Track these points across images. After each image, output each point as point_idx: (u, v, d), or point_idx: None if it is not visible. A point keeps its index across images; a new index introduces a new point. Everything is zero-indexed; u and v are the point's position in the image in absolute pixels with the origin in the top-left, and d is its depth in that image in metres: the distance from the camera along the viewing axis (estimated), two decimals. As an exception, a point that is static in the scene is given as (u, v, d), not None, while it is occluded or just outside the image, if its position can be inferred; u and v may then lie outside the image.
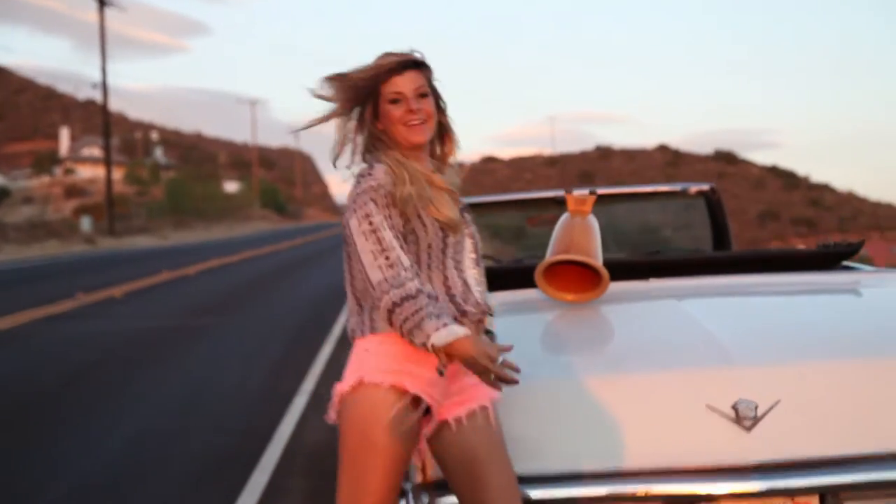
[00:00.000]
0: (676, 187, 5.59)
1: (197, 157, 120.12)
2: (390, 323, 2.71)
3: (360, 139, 2.95)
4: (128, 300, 17.34)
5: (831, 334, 3.35)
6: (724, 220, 5.50)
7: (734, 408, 3.02)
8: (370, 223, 2.74)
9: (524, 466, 3.00)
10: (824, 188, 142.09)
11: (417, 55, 2.94)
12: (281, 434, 7.25)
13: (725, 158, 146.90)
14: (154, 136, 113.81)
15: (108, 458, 6.65)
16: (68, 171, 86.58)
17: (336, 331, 13.03)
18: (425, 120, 2.88)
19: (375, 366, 2.76)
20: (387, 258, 2.70)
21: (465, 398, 2.89)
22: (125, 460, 6.60)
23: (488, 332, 2.96)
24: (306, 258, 31.88)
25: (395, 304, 2.67)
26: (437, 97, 2.97)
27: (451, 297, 2.86)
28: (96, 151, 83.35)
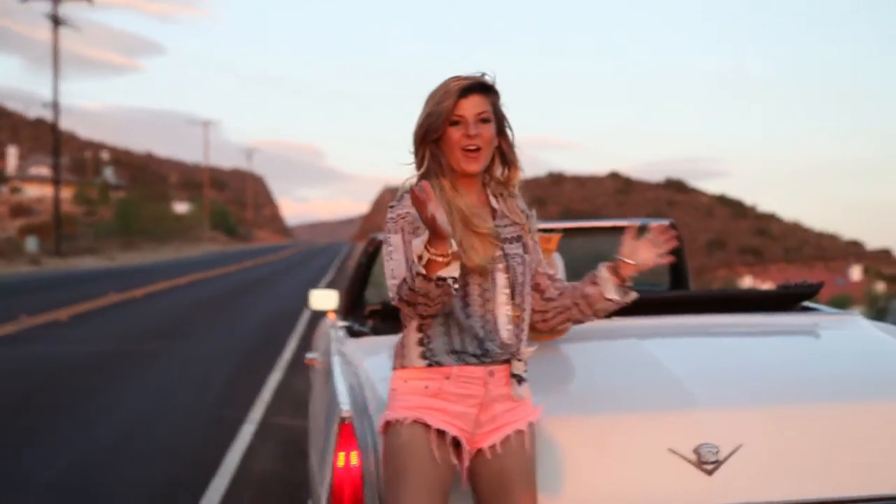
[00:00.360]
0: (636, 222, 5.57)
1: (147, 177, 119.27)
2: (415, 316, 2.80)
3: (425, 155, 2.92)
4: (73, 323, 17.06)
5: (794, 378, 3.34)
6: (683, 256, 5.49)
7: (696, 451, 2.99)
8: (390, 246, 2.83)
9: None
10: (771, 218, 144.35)
11: (488, 78, 2.90)
12: (228, 464, 7.13)
13: (675, 187, 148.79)
14: (105, 155, 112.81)
15: (46, 489, 6.47)
16: (15, 190, 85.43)
17: (286, 356, 12.91)
18: (481, 147, 2.85)
19: (400, 403, 2.84)
20: (400, 270, 2.79)
21: (499, 425, 2.87)
22: (66, 491, 6.43)
23: (516, 378, 2.88)
24: (256, 282, 31.67)
25: (400, 299, 2.76)
26: (501, 122, 2.92)
27: (474, 335, 2.83)
28: (44, 170, 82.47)
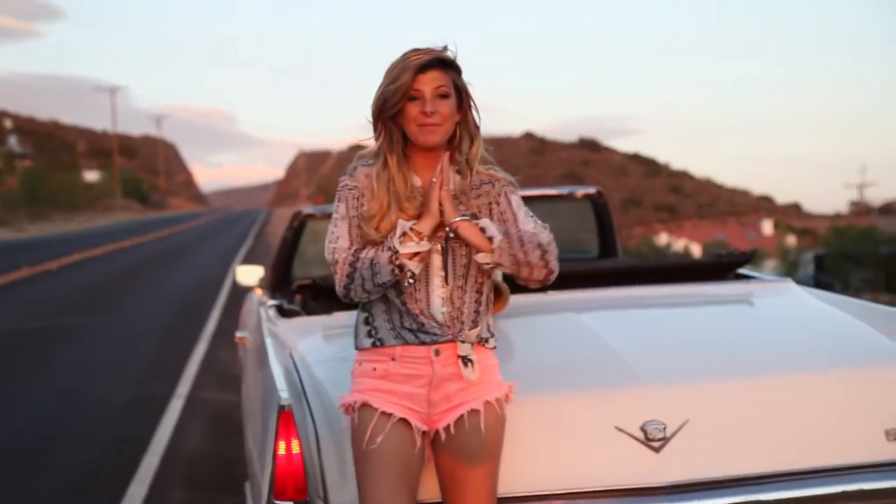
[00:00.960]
0: (563, 191, 5.57)
1: (54, 145, 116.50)
2: (356, 296, 2.80)
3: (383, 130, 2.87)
4: (-15, 299, 16.62)
5: (736, 351, 3.34)
6: (611, 224, 5.50)
7: (642, 428, 2.98)
8: (336, 214, 2.85)
9: (425, 492, 2.92)
10: (684, 175, 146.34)
11: (449, 53, 2.82)
12: (157, 442, 7.00)
13: (589, 146, 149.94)
14: (7, 124, 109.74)
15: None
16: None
17: (210, 327, 12.74)
18: (440, 122, 2.79)
19: (354, 386, 2.86)
20: (342, 244, 2.81)
21: (454, 404, 2.82)
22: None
23: (464, 360, 2.81)
24: (173, 250, 31.19)
25: (347, 277, 2.77)
26: (462, 97, 2.85)
27: (410, 314, 2.80)
28: (-54, 140, 79.87)
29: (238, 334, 5.34)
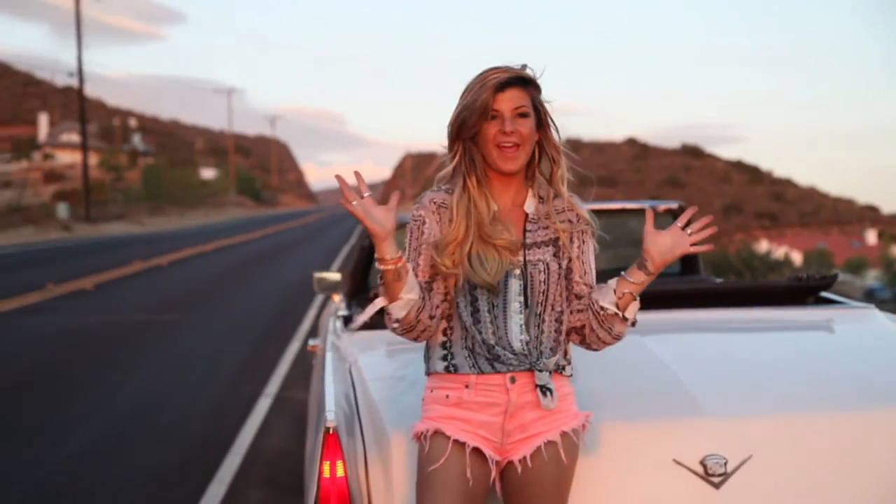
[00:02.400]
0: (643, 205, 5.35)
1: (174, 144, 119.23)
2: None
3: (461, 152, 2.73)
4: (98, 292, 16.95)
5: (807, 385, 3.11)
6: (692, 239, 5.23)
7: (702, 463, 2.79)
8: (406, 244, 2.72)
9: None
10: (787, 183, 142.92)
11: (529, 71, 2.69)
12: (241, 441, 6.96)
13: (692, 153, 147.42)
14: (132, 122, 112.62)
15: (62, 464, 6.33)
16: (47, 157, 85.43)
17: (305, 326, 12.74)
18: (519, 143, 2.64)
19: (426, 413, 2.72)
20: None
21: (529, 435, 2.67)
22: (79, 468, 6.28)
23: (542, 390, 2.64)
24: (279, 248, 31.50)
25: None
26: (542, 117, 2.70)
27: (485, 342, 2.64)
28: (75, 137, 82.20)
29: (311, 342, 5.24)
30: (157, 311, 14.30)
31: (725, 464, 2.77)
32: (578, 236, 2.73)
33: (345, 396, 3.19)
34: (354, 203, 2.51)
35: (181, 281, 19.22)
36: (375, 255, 2.54)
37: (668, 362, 3.17)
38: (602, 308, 2.63)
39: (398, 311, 2.59)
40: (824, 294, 4.17)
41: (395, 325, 2.62)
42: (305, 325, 12.87)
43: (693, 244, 2.59)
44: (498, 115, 2.63)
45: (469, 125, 2.64)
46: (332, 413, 2.92)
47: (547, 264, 2.68)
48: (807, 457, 2.83)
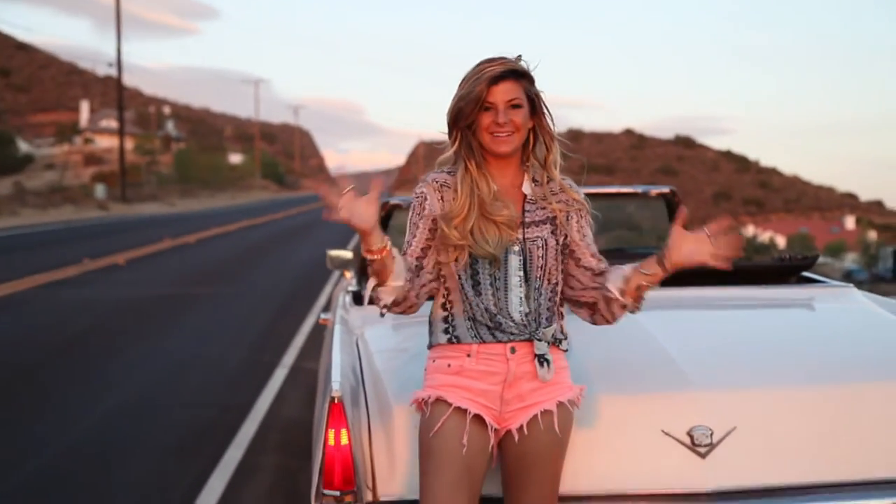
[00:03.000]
0: (637, 189, 5.25)
1: (204, 130, 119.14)
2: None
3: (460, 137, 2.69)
4: (130, 267, 16.93)
5: (789, 358, 3.02)
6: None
7: (689, 434, 2.70)
8: (408, 219, 2.70)
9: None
10: (772, 171, 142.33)
11: (522, 64, 2.62)
12: (258, 409, 6.90)
13: (684, 143, 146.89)
14: (166, 110, 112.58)
15: (96, 422, 6.28)
16: (87, 141, 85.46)
17: (322, 300, 12.68)
18: (512, 132, 2.60)
19: (428, 382, 2.65)
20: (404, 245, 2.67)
21: (527, 404, 2.60)
22: (111, 425, 6.23)
23: (540, 359, 2.57)
24: (299, 228, 31.46)
25: None
26: (535, 106, 2.64)
27: (487, 311, 2.58)
28: (114, 123, 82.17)
29: (322, 316, 5.16)
30: (183, 285, 14.27)
31: (711, 434, 2.69)
32: (576, 214, 2.68)
33: (351, 368, 3.11)
34: (341, 209, 2.40)
35: (207, 258, 19.19)
36: (362, 247, 2.48)
37: (658, 337, 3.09)
38: (608, 290, 2.59)
39: (386, 296, 2.55)
40: (806, 274, 4.08)
41: (384, 309, 2.59)
42: (321, 299, 12.82)
43: (715, 257, 2.46)
44: (492, 106, 2.59)
45: (465, 115, 2.61)
46: (337, 383, 2.84)
47: (545, 240, 2.63)
48: (788, 428, 2.75)
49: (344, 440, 2.72)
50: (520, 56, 2.63)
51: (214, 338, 9.89)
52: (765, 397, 2.78)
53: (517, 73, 2.60)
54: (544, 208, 2.66)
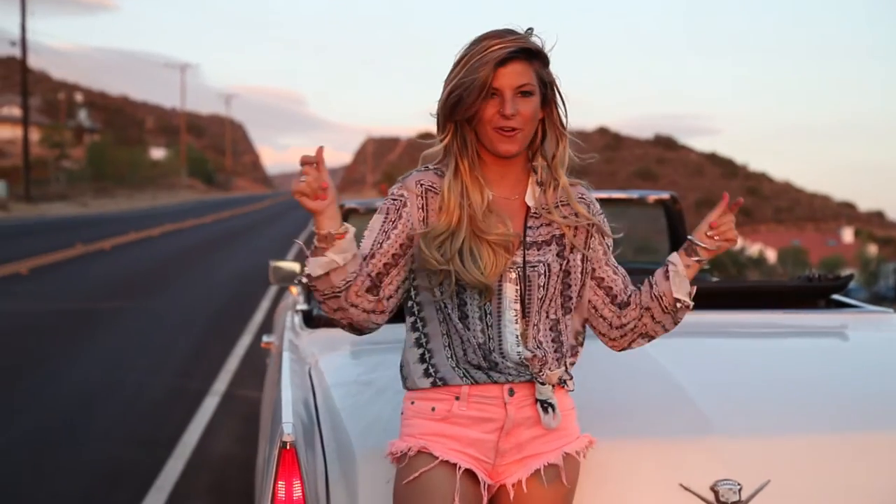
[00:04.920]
0: (633, 195, 5.13)
1: (123, 121, 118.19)
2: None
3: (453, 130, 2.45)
4: (34, 277, 16.61)
5: (829, 400, 2.89)
6: (685, 233, 5.02)
7: (713, 489, 2.56)
8: (374, 222, 2.46)
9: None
10: (762, 177, 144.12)
11: (535, 40, 2.39)
12: (185, 443, 6.68)
13: (664, 143, 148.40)
14: (78, 97, 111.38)
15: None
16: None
17: (258, 318, 12.47)
18: (521, 126, 2.36)
19: (406, 429, 2.44)
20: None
21: (525, 455, 2.41)
22: (6, 468, 5.97)
23: (544, 405, 2.39)
24: (232, 234, 31.21)
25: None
26: (547, 91, 2.42)
27: (478, 345, 2.37)
28: (16, 111, 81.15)
29: (265, 338, 4.96)
30: (96, 298, 14.01)
31: (740, 490, 2.55)
32: (596, 235, 2.50)
33: (304, 404, 2.92)
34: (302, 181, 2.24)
35: (125, 267, 18.91)
36: (315, 230, 2.29)
37: (672, 371, 2.94)
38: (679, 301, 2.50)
39: (315, 267, 2.31)
40: (837, 297, 3.95)
41: (311, 283, 2.35)
42: (258, 317, 12.63)
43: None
44: (498, 92, 2.35)
45: (465, 105, 2.35)
46: (289, 425, 2.64)
47: (548, 265, 2.42)
48: (831, 482, 2.61)
49: (297, 493, 2.53)
50: (531, 30, 2.40)
51: (133, 361, 9.65)
52: (803, 446, 2.64)
53: (530, 53, 2.37)
54: (550, 224, 2.45)
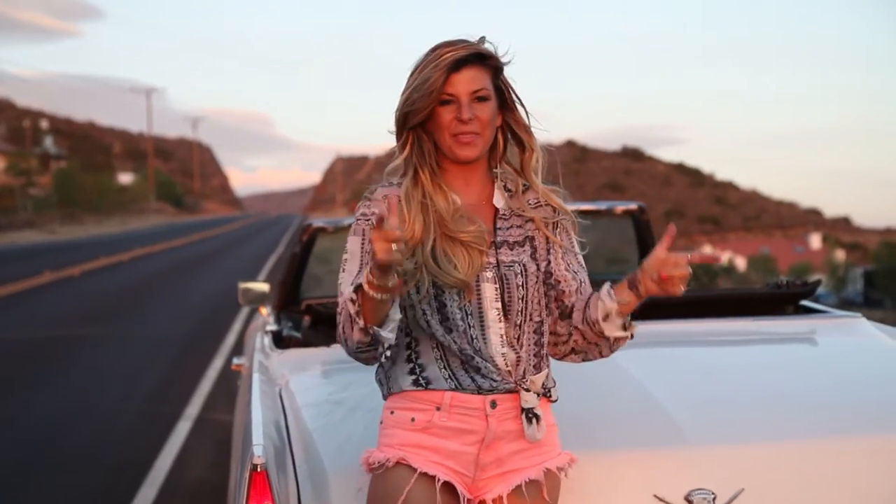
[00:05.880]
0: (601, 206, 5.13)
1: (90, 147, 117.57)
2: (345, 346, 2.34)
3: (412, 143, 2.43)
4: (3, 306, 16.43)
5: (801, 406, 2.88)
6: (653, 243, 5.02)
7: (688, 499, 2.55)
8: (346, 253, 2.42)
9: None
10: (729, 186, 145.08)
11: (487, 46, 2.39)
12: (158, 468, 6.61)
13: (632, 155, 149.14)
14: (44, 124, 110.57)
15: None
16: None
17: (230, 341, 12.38)
18: (479, 131, 2.35)
19: (384, 440, 2.41)
20: (346, 283, 2.37)
21: (506, 470, 2.38)
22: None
23: (528, 415, 2.36)
24: (202, 257, 30.98)
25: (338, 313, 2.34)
26: (504, 96, 2.41)
27: (461, 351, 2.34)
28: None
29: (235, 360, 4.92)
30: (66, 325, 13.84)
31: (714, 499, 2.54)
32: (561, 233, 2.46)
33: (275, 426, 2.89)
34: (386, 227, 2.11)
35: (95, 293, 18.70)
36: (374, 282, 2.16)
37: (642, 381, 2.93)
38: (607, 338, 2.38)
39: (389, 335, 2.24)
40: (805, 303, 3.96)
41: (368, 350, 2.28)
42: (230, 339, 12.53)
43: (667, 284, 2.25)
44: (453, 99, 2.35)
45: (418, 111, 2.36)
46: (259, 447, 2.61)
47: (524, 266, 2.40)
48: (804, 489, 2.60)
49: None
50: (483, 38, 2.40)
51: (104, 386, 9.55)
52: (776, 454, 2.63)
53: (482, 58, 2.38)
54: (521, 226, 2.44)
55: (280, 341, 3.90)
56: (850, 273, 54.98)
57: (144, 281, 21.60)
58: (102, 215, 66.95)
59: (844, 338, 3.55)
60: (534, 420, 2.36)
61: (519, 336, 2.38)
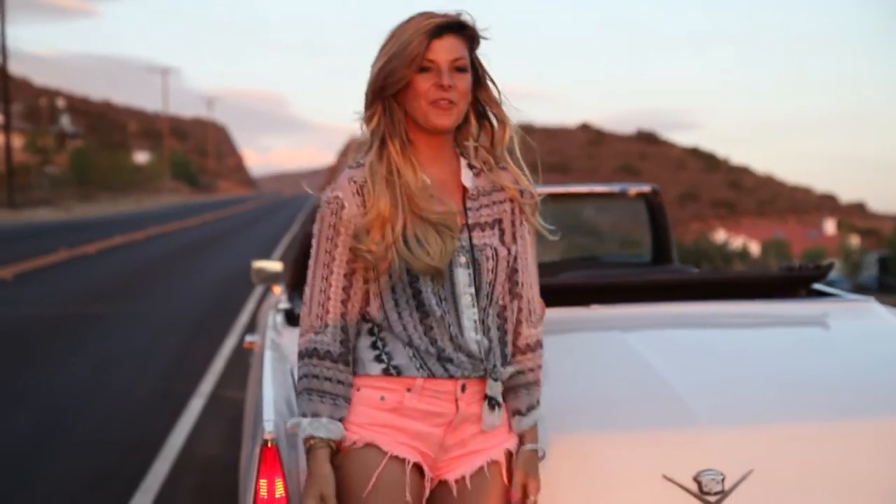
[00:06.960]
0: (615, 188, 5.11)
1: (106, 126, 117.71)
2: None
3: (379, 118, 2.38)
4: (18, 283, 16.48)
5: (811, 388, 2.88)
6: (666, 226, 5.02)
7: (696, 479, 2.55)
8: (314, 245, 2.38)
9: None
10: (744, 170, 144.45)
11: (466, 17, 2.36)
12: (171, 445, 6.64)
13: (647, 139, 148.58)
14: (60, 103, 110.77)
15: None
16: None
17: (243, 319, 12.42)
18: (455, 100, 2.32)
19: (354, 417, 2.36)
20: (309, 293, 2.37)
21: (468, 451, 2.39)
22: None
23: (491, 402, 2.37)
24: (216, 236, 31.07)
25: (299, 354, 2.39)
26: (478, 72, 2.39)
27: (433, 342, 2.32)
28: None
29: (248, 338, 4.93)
30: (81, 303, 13.90)
31: (723, 480, 2.55)
32: (525, 219, 2.45)
33: (286, 402, 2.90)
34: None
35: (110, 271, 18.78)
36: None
37: (653, 363, 2.93)
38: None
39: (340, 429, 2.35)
40: (817, 286, 3.95)
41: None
42: (243, 318, 12.56)
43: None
44: (433, 66, 2.31)
45: (398, 77, 2.31)
46: (270, 423, 2.62)
47: (495, 249, 2.38)
48: (813, 471, 2.60)
49: (279, 492, 2.51)
50: (462, 12, 2.37)
51: (118, 364, 9.58)
52: (785, 434, 2.63)
53: (462, 27, 2.35)
54: (490, 206, 2.41)
55: (292, 319, 3.90)
56: (864, 258, 54.69)
57: (159, 259, 21.67)
58: (118, 194, 67.18)
59: (856, 321, 3.54)
60: (496, 407, 2.37)
61: (484, 320, 2.37)
